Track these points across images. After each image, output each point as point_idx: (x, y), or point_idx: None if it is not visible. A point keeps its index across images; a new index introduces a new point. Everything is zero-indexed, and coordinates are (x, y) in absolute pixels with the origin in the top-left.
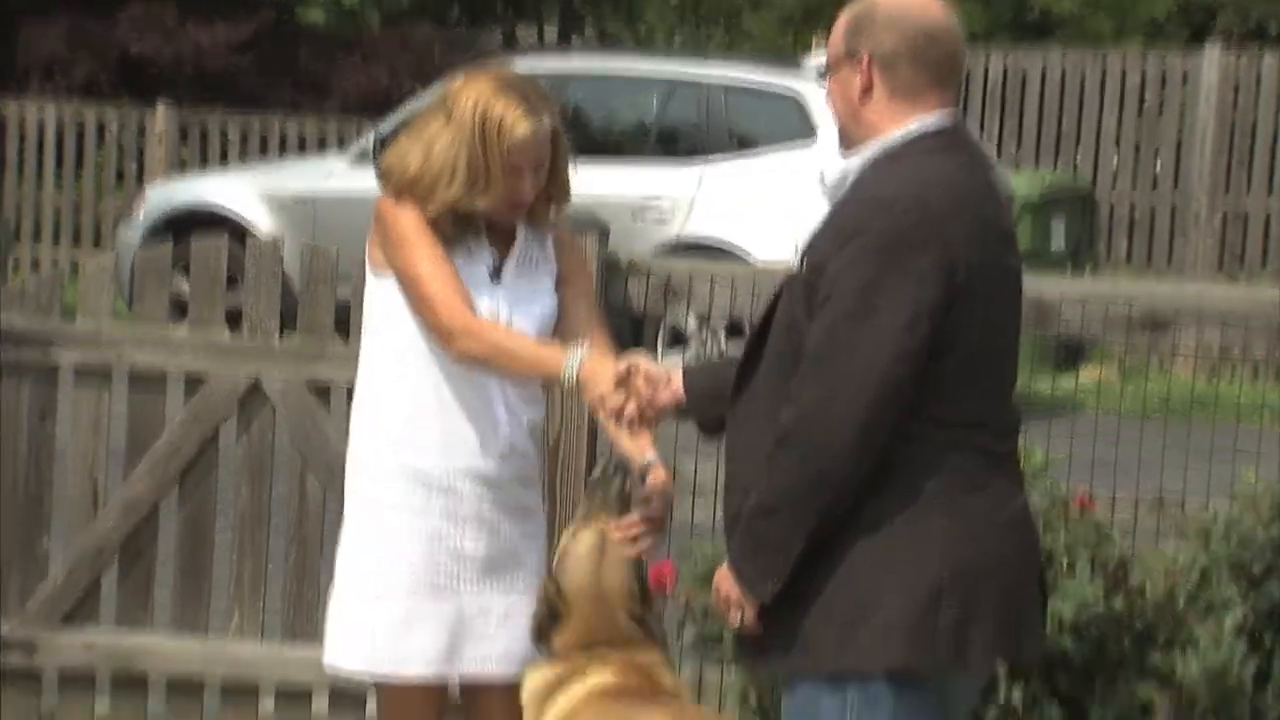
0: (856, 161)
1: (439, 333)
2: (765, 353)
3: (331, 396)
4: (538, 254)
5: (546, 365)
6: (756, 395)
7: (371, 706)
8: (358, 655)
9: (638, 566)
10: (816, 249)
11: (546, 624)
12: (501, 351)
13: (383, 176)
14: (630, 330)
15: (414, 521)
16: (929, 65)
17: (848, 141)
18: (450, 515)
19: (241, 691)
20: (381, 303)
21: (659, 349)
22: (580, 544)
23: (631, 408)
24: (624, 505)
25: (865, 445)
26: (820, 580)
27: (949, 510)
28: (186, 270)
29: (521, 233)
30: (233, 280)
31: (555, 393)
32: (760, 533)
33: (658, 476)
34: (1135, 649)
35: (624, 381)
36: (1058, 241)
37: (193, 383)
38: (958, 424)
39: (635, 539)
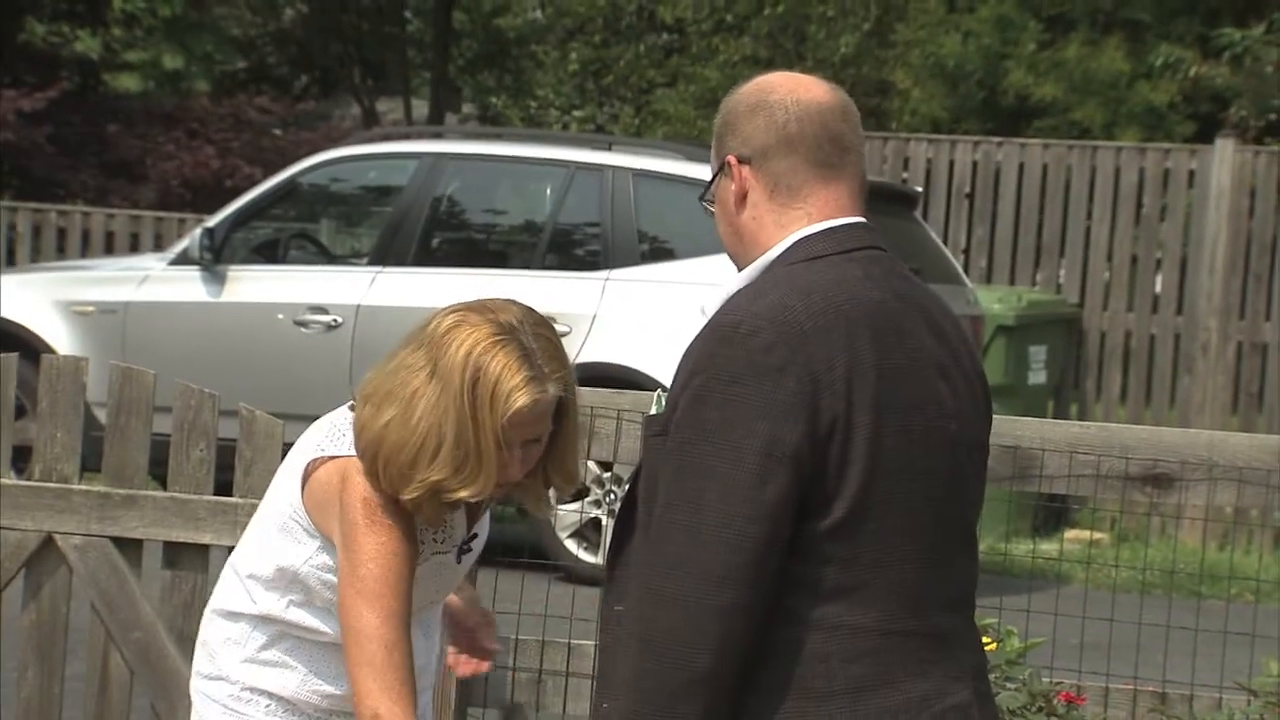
0: (734, 283)
1: (359, 695)
2: (637, 516)
3: (144, 557)
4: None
5: None
6: (630, 567)
7: None
8: None
9: None
10: (672, 389)
11: None
12: None
13: (356, 437)
14: None
15: None
16: (808, 150)
17: (739, 267)
18: None
19: None
20: (306, 552)
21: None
22: None
23: None
24: None
25: (725, 637)
26: None
27: (842, 711)
28: None
29: None
30: (21, 410)
31: None
32: None
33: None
34: None
35: None
36: (1037, 374)
37: None
38: (858, 596)
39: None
